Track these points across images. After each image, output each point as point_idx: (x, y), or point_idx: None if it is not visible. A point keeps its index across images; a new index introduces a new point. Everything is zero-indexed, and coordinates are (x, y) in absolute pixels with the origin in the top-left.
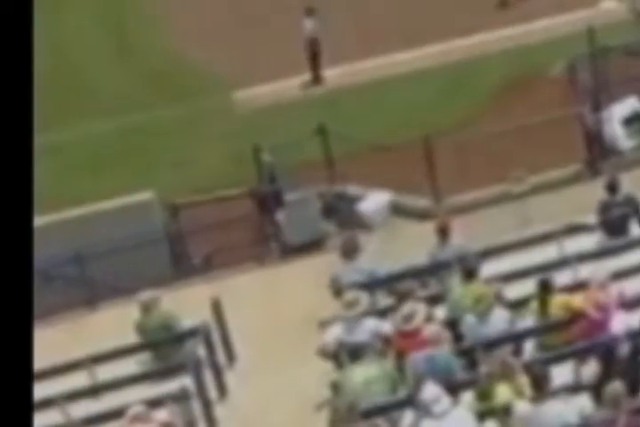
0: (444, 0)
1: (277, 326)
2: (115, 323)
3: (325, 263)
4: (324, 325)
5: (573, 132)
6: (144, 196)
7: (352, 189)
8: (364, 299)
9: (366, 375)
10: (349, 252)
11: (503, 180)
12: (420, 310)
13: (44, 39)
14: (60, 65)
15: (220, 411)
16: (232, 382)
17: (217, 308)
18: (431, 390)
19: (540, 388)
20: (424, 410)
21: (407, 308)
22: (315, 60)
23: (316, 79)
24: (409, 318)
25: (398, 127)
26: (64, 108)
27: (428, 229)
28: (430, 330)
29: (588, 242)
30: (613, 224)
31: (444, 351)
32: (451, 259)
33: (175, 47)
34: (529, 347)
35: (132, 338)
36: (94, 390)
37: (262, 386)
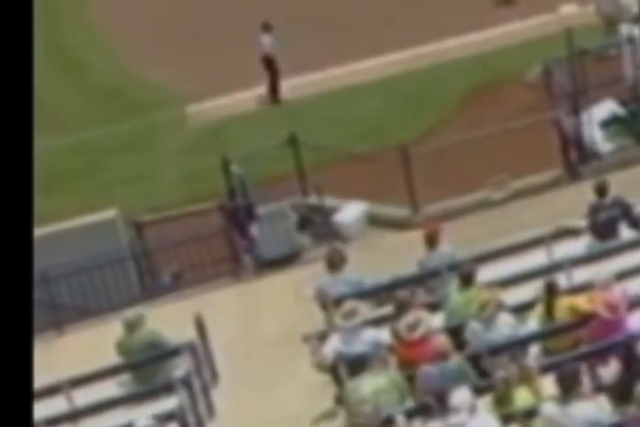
0: (411, 7)
1: (258, 341)
2: (84, 346)
3: (303, 276)
4: (307, 339)
5: (550, 137)
6: (108, 214)
7: (326, 201)
8: (362, 309)
9: (375, 386)
10: (335, 263)
11: (482, 187)
12: (425, 318)
13: None
14: None
15: None
16: (218, 401)
17: (200, 325)
18: (461, 396)
19: (569, 388)
20: (453, 415)
21: (411, 317)
22: (273, 79)
23: (274, 99)
24: (413, 327)
25: (361, 137)
26: None
27: (405, 238)
28: (439, 340)
29: (577, 246)
30: (603, 227)
31: (455, 361)
32: (441, 266)
33: (125, 63)
34: (534, 352)
35: (102, 361)
36: (74, 415)
37: (249, 403)
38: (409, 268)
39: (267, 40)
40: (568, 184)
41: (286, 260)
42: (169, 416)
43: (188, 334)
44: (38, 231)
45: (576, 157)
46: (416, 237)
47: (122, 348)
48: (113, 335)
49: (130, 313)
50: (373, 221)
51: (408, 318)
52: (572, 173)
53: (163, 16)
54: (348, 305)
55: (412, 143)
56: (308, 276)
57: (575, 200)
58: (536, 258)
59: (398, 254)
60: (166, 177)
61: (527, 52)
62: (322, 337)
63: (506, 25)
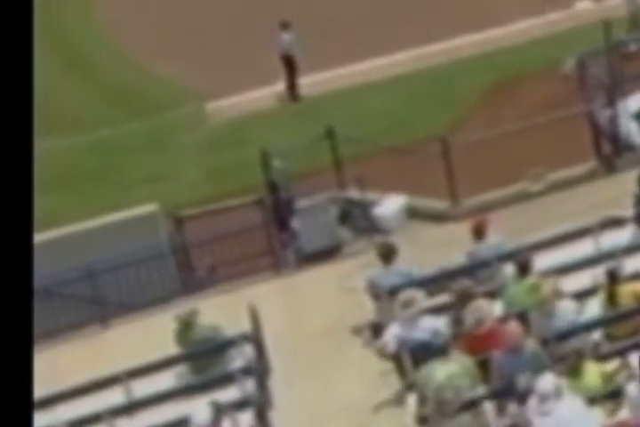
0: (429, 3)
1: (305, 333)
2: (128, 340)
3: (345, 269)
4: (358, 330)
5: (581, 131)
6: (149, 208)
7: (365, 194)
8: (419, 298)
9: (448, 371)
10: (387, 256)
11: (519, 179)
12: (490, 311)
13: None
14: None
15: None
16: (275, 392)
17: (254, 316)
18: (548, 381)
19: None
20: (540, 400)
21: (476, 310)
22: (291, 76)
23: (293, 96)
24: (480, 320)
25: (381, 133)
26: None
27: (445, 231)
28: (510, 329)
29: (623, 235)
30: None
31: (529, 346)
32: (491, 257)
33: (138, 61)
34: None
35: (148, 354)
36: (131, 407)
37: (306, 394)
38: (449, 260)
39: (285, 38)
40: (603, 176)
41: (327, 253)
42: (235, 405)
43: (234, 327)
44: (81, 225)
45: (610, 150)
46: (455, 229)
47: (181, 342)
48: (156, 329)
49: (183, 309)
50: (413, 214)
51: (473, 310)
52: (608, 166)
53: (173, 13)
54: (406, 294)
55: (432, 139)
56: (350, 269)
57: (611, 192)
58: (583, 248)
59: (438, 247)
60: (188, 175)
61: (549, 47)
62: (373, 328)
63: (522, 21)
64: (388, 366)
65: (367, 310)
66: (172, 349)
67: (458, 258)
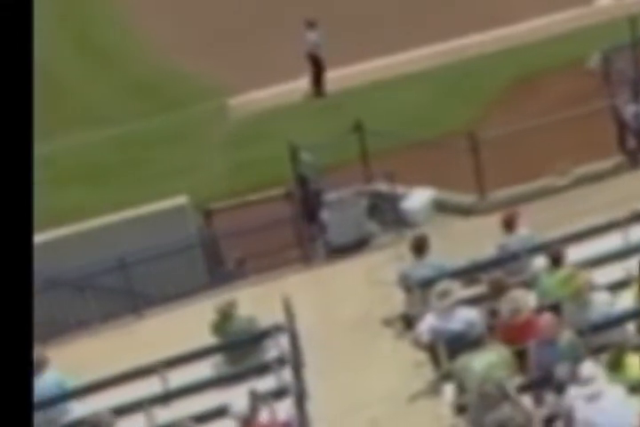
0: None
1: (335, 325)
2: (160, 330)
3: (374, 262)
4: (390, 322)
5: (605, 125)
6: (179, 201)
7: (393, 187)
8: (455, 289)
9: (486, 361)
10: (420, 248)
11: (545, 174)
12: (526, 302)
13: None
14: (44, 77)
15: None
16: (309, 383)
17: (288, 307)
18: (589, 369)
19: None
20: (585, 387)
21: (512, 300)
22: (317, 75)
23: (318, 93)
24: (517, 311)
25: (403, 128)
26: (53, 119)
27: (472, 224)
28: (545, 319)
29: None
30: None
31: (566, 336)
32: (521, 249)
33: (159, 57)
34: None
35: (180, 345)
36: (168, 396)
37: (340, 384)
38: (476, 253)
39: (311, 37)
40: (628, 171)
41: (355, 246)
42: (272, 395)
43: (265, 319)
44: (109, 219)
45: (635, 144)
46: (482, 223)
47: (218, 332)
48: (187, 320)
49: (222, 300)
50: (440, 207)
51: (509, 301)
52: (633, 160)
53: (197, 8)
54: (442, 285)
55: (455, 134)
56: (379, 262)
57: (637, 186)
58: (612, 241)
59: (465, 240)
60: (213, 168)
61: (567, 43)
62: (404, 320)
63: (543, 17)
64: (421, 357)
65: (397, 302)
66: (203, 339)
67: (487, 251)
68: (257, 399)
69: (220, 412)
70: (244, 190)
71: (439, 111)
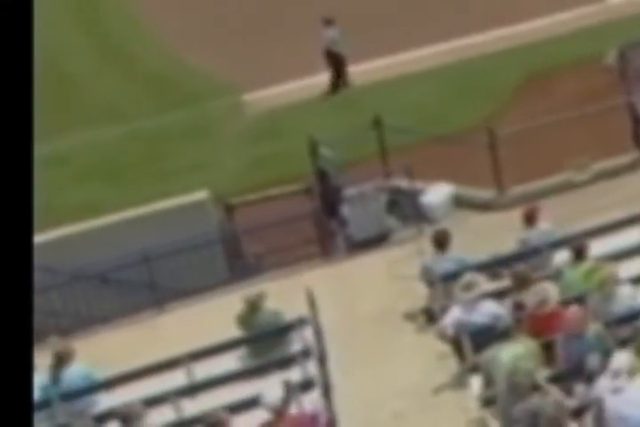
0: None
1: (357, 319)
2: (182, 324)
3: (394, 257)
4: (410, 316)
5: (620, 122)
6: (199, 195)
7: (411, 183)
8: (480, 282)
9: (514, 353)
10: (442, 242)
11: (563, 169)
12: (553, 292)
13: (38, 50)
14: (58, 73)
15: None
16: (334, 376)
17: (311, 300)
18: (622, 360)
19: None
20: (613, 378)
21: (539, 293)
22: (337, 73)
23: (335, 91)
24: (543, 302)
25: (419, 125)
26: (69, 116)
27: (491, 220)
28: (573, 311)
29: None
30: None
31: (593, 328)
32: (543, 243)
33: (172, 52)
34: None
35: (202, 338)
36: (195, 388)
37: (365, 378)
38: (496, 248)
39: (328, 35)
40: None
41: (375, 241)
42: (301, 386)
43: (287, 313)
44: (133, 212)
45: None
46: (501, 218)
47: (244, 324)
48: (208, 314)
49: (251, 292)
50: (459, 202)
51: (536, 292)
52: None
53: (212, 3)
54: (467, 277)
55: (469, 131)
56: (399, 257)
57: None
58: (632, 236)
59: (484, 235)
60: (229, 164)
61: (580, 41)
62: (427, 313)
63: (555, 14)
64: (444, 350)
65: (417, 296)
66: (223, 334)
67: (505, 246)
68: (290, 390)
69: (251, 403)
70: (261, 186)
71: (453, 108)
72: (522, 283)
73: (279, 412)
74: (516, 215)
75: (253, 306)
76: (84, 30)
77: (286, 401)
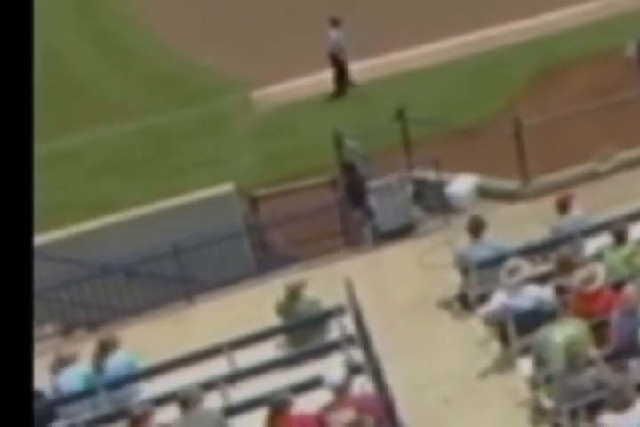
0: None
1: (391, 308)
2: (211, 316)
3: (422, 247)
4: (445, 304)
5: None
6: (224, 188)
7: (435, 174)
8: (524, 266)
9: (565, 334)
10: (476, 229)
11: (587, 159)
12: (600, 272)
13: (42, 48)
14: (71, 73)
15: None
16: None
17: (350, 288)
18: None
19: None
20: None
21: (586, 271)
22: (339, 73)
23: (339, 91)
24: (589, 280)
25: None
26: (78, 113)
27: (517, 210)
28: (629, 290)
29: None
30: None
31: None
32: (575, 231)
33: (176, 50)
34: None
35: (232, 329)
36: (237, 375)
37: (407, 365)
38: (523, 238)
39: (334, 36)
40: None
41: (402, 232)
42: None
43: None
44: (161, 205)
45: None
46: (527, 208)
47: (283, 312)
48: (237, 306)
49: (292, 280)
50: (484, 193)
51: (583, 272)
52: None
53: (215, 2)
54: (512, 262)
55: (483, 125)
56: (426, 247)
57: None
58: None
59: (510, 226)
60: (240, 161)
61: (592, 34)
62: (462, 300)
63: (569, 8)
64: (482, 336)
65: (450, 284)
66: (253, 325)
67: (532, 236)
68: (352, 370)
69: (316, 381)
70: (272, 182)
71: (466, 102)
72: (565, 267)
73: (341, 391)
74: (541, 205)
75: (293, 294)
76: (92, 31)
77: (348, 381)
